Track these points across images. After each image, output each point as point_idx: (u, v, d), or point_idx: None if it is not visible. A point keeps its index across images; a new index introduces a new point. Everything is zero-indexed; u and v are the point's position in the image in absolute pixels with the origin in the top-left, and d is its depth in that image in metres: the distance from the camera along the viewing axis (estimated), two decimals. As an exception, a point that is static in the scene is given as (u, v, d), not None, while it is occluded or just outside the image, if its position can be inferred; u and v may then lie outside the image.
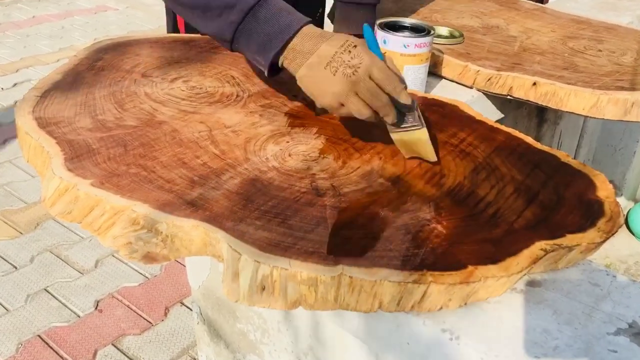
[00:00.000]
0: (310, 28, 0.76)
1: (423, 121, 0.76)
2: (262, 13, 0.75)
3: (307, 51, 0.74)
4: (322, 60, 0.72)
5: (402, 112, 0.75)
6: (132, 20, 3.90)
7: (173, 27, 1.23)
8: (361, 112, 0.73)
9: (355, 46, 0.72)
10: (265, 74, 0.79)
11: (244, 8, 0.75)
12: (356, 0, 1.14)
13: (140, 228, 0.64)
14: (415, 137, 0.76)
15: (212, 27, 0.78)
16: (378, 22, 1.05)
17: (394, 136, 0.77)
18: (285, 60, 0.76)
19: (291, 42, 0.75)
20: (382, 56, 0.74)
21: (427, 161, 0.77)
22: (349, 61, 0.71)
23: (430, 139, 0.77)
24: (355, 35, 1.20)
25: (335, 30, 1.21)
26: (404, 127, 0.76)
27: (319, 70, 0.72)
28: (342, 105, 0.74)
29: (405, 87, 0.74)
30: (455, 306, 0.61)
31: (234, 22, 0.76)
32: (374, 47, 0.74)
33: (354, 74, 0.71)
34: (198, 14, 0.80)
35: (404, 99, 0.73)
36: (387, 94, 0.73)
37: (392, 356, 0.66)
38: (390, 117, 0.74)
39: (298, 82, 0.77)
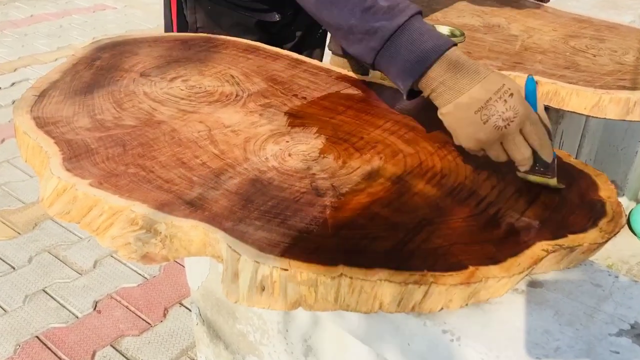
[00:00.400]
0: (455, 54, 0.74)
1: (556, 171, 0.74)
2: (404, 39, 0.74)
3: (458, 89, 0.71)
4: (474, 103, 0.70)
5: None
6: (130, 19, 3.90)
7: (169, 21, 1.24)
8: (499, 158, 0.73)
9: (511, 95, 0.69)
10: (405, 98, 0.79)
11: (385, 35, 0.75)
12: None
13: (139, 228, 0.64)
14: (542, 182, 0.75)
15: (354, 49, 0.79)
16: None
17: (521, 175, 0.75)
18: (427, 89, 0.75)
19: (435, 71, 0.73)
20: (536, 107, 0.72)
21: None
22: (502, 113, 0.69)
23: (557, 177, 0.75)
24: (347, 54, 1.21)
25: (329, 48, 1.24)
26: (536, 171, 0.74)
27: (469, 113, 0.70)
28: (483, 150, 0.73)
29: (551, 143, 0.73)
30: (456, 307, 0.61)
31: (374, 49, 0.76)
32: (531, 99, 0.71)
33: (505, 128, 0.69)
34: (341, 35, 0.80)
35: (546, 156, 0.72)
36: (532, 148, 0.71)
37: (392, 357, 0.66)
38: (524, 168, 0.73)
39: (440, 116, 0.75)
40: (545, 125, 0.72)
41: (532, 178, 0.75)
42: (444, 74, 0.73)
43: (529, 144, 0.71)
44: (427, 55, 0.73)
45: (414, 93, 0.78)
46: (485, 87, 0.70)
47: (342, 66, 1.19)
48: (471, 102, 0.70)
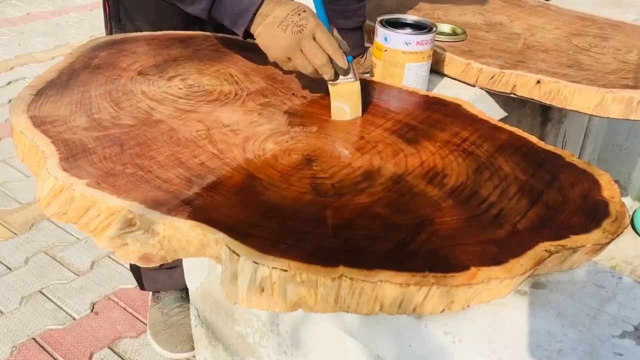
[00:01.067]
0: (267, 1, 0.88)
1: (357, 76, 0.90)
2: None
3: (265, 14, 0.87)
4: (276, 20, 0.85)
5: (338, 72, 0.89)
6: (128, 17, 3.89)
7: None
8: (305, 66, 0.87)
9: (304, 11, 0.85)
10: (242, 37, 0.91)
11: None
12: (344, 27, 1.16)
13: (137, 229, 0.64)
14: (348, 88, 0.89)
15: (191, 10, 0.92)
16: (379, 19, 1.06)
17: (331, 88, 0.89)
18: (253, 27, 0.89)
19: (258, 12, 0.87)
20: (328, 26, 0.87)
21: (347, 119, 0.89)
22: (297, 21, 0.84)
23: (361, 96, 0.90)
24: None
25: None
26: (340, 81, 0.89)
27: (273, 28, 0.86)
28: (290, 59, 0.87)
29: (344, 52, 0.87)
30: (457, 308, 0.61)
31: (205, 10, 0.90)
32: (322, 17, 0.88)
33: (300, 32, 0.84)
34: (177, 1, 0.92)
35: (341, 62, 0.87)
36: (328, 55, 0.86)
37: (393, 359, 0.66)
38: (328, 75, 0.87)
39: (257, 40, 0.89)
40: (335, 38, 0.87)
41: (341, 88, 0.89)
42: (264, 9, 0.87)
43: (323, 50, 0.85)
44: (249, 7, 0.87)
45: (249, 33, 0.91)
46: (284, 7, 0.86)
47: None
48: (274, 20, 0.86)
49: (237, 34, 0.90)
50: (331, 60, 0.86)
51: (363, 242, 0.63)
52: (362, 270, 0.59)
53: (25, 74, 2.95)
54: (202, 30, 1.18)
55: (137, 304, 1.62)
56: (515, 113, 1.28)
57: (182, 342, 1.41)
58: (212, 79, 0.98)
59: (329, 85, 0.90)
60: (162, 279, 1.43)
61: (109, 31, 1.21)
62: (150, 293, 1.53)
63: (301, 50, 0.85)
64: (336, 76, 0.88)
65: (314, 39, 0.85)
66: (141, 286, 1.46)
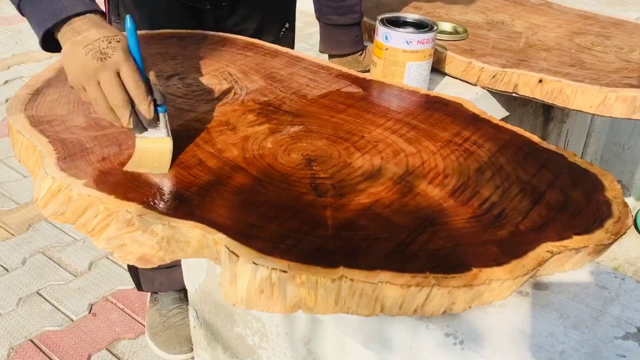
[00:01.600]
0: (90, 18, 0.78)
1: (169, 132, 0.77)
2: None
3: (78, 30, 0.76)
4: (85, 41, 0.75)
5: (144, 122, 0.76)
6: (126, 15, 3.89)
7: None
8: (97, 102, 0.74)
9: (118, 41, 0.75)
10: (40, 44, 0.80)
11: None
12: (338, 23, 1.15)
13: (135, 229, 0.64)
14: (157, 147, 0.76)
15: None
16: (380, 17, 1.06)
17: (137, 143, 0.77)
18: (58, 34, 0.78)
19: (71, 23, 0.77)
20: (142, 69, 0.75)
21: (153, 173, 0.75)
22: (103, 48, 0.74)
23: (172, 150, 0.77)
24: (339, 56, 1.20)
25: (320, 51, 1.23)
26: (150, 135, 0.76)
27: (78, 48, 0.74)
28: (84, 89, 0.75)
29: (151, 102, 0.75)
30: (459, 310, 0.61)
31: (14, 1, 0.80)
32: (136, 53, 0.75)
33: (101, 60, 0.73)
34: None
35: (144, 110, 0.74)
36: (130, 99, 0.74)
37: (394, 361, 0.66)
38: (124, 120, 0.75)
39: (61, 58, 0.78)
40: (144, 84, 0.75)
41: (149, 144, 0.76)
42: (79, 25, 0.77)
43: (125, 92, 0.74)
44: (64, 9, 0.77)
45: (53, 44, 0.80)
46: (100, 30, 0.75)
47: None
48: (83, 40, 0.74)
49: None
50: (134, 106, 0.74)
51: (363, 243, 0.63)
52: (363, 271, 0.59)
53: (22, 73, 2.95)
54: (200, 24, 1.18)
55: (136, 305, 1.62)
56: (517, 112, 1.28)
57: (181, 343, 1.41)
58: (211, 78, 0.98)
59: (136, 140, 0.77)
60: (159, 279, 1.43)
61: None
62: (149, 294, 1.53)
63: (98, 83, 0.74)
64: (140, 126, 0.75)
65: (118, 74, 0.73)
66: (139, 287, 1.46)
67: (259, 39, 1.19)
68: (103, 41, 0.74)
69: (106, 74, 0.72)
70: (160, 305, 1.48)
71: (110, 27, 0.77)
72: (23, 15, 0.81)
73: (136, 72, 0.74)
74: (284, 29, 1.32)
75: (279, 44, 1.17)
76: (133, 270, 1.43)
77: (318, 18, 1.20)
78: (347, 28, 1.16)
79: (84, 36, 0.75)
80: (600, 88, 1.02)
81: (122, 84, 0.73)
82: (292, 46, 1.35)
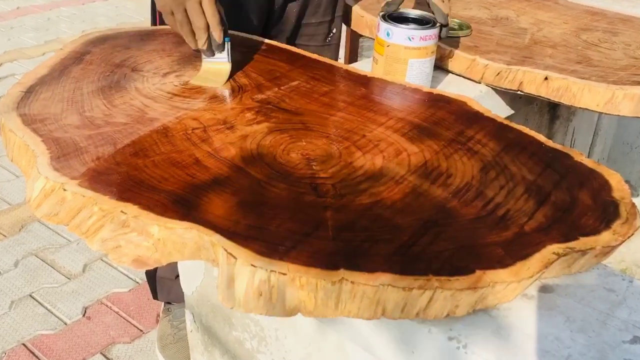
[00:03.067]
0: None
1: (230, 58, 0.98)
2: None
3: None
4: None
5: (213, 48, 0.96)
6: (121, 11, 3.90)
7: (153, 19, 1.25)
8: (182, 24, 0.92)
9: None
10: None
11: None
12: None
13: (130, 231, 0.64)
14: (218, 69, 0.97)
15: None
16: (381, 13, 1.06)
17: (204, 64, 0.98)
18: None
19: None
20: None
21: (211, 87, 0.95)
22: None
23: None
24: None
25: None
26: (214, 59, 0.97)
27: None
28: (172, 13, 0.92)
29: (223, 29, 0.94)
30: (462, 313, 0.61)
31: None
32: None
33: None
34: None
35: (216, 36, 0.93)
36: (207, 23, 0.92)
37: (396, 366, 0.66)
38: (201, 40, 0.93)
39: None
40: (220, 15, 0.93)
41: (212, 67, 0.97)
42: None
43: (204, 16, 0.91)
44: None
45: None
46: None
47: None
48: None
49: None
50: (209, 30, 0.92)
51: (364, 245, 0.63)
52: (364, 273, 0.59)
53: (14, 71, 2.95)
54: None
55: (131, 309, 1.62)
56: (522, 111, 1.28)
57: (189, 358, 1.41)
58: (209, 76, 0.98)
59: (202, 62, 0.97)
60: (176, 289, 1.42)
61: (157, 21, 1.24)
62: (162, 304, 1.52)
63: (185, 10, 0.91)
64: (209, 50, 0.95)
65: (200, 4, 0.90)
66: (154, 295, 1.46)
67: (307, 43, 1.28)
68: None
69: (192, 2, 0.90)
70: (173, 317, 1.47)
71: None
72: None
73: (214, 3, 0.92)
74: (331, 34, 1.36)
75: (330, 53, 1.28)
76: (151, 277, 1.43)
77: None
78: None
79: None
80: (607, 86, 1.02)
81: (204, 12, 0.91)
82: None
